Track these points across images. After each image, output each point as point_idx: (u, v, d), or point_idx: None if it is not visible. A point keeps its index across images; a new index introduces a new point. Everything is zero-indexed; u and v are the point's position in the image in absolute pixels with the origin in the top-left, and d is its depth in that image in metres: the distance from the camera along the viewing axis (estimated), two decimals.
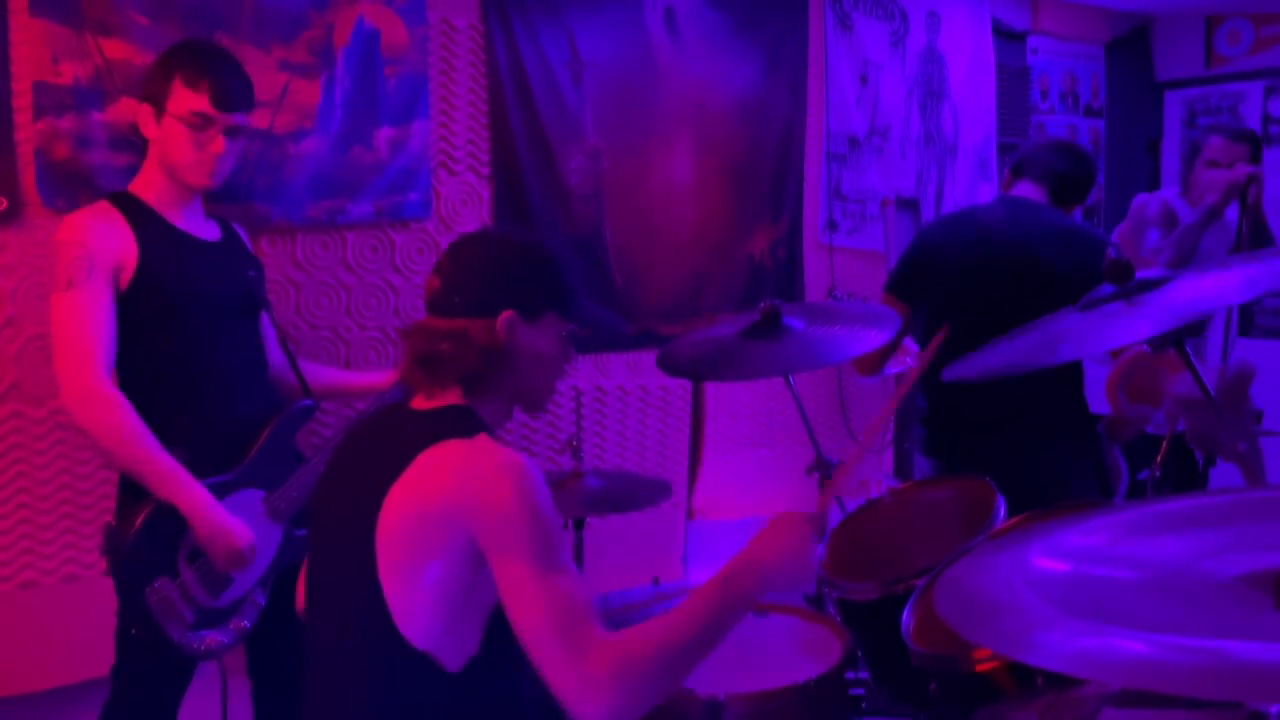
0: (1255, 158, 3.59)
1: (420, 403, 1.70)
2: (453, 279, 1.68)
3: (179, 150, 2.22)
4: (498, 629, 1.59)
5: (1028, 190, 2.89)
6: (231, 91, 2.24)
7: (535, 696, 1.74)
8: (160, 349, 2.20)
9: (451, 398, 1.68)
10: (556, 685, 1.47)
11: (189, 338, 2.22)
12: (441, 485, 1.56)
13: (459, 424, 1.62)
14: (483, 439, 1.59)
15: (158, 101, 2.20)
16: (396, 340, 3.13)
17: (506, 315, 1.66)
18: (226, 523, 2.14)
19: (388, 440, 1.66)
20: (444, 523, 1.54)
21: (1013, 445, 2.73)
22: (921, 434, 2.97)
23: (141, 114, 2.22)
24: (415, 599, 1.55)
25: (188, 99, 2.20)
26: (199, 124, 2.20)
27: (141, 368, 2.21)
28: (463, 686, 1.59)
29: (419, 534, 1.55)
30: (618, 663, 1.47)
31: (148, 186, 2.24)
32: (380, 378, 2.57)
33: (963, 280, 2.81)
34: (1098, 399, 2.89)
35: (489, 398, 1.70)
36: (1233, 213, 3.42)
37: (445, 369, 1.66)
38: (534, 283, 1.71)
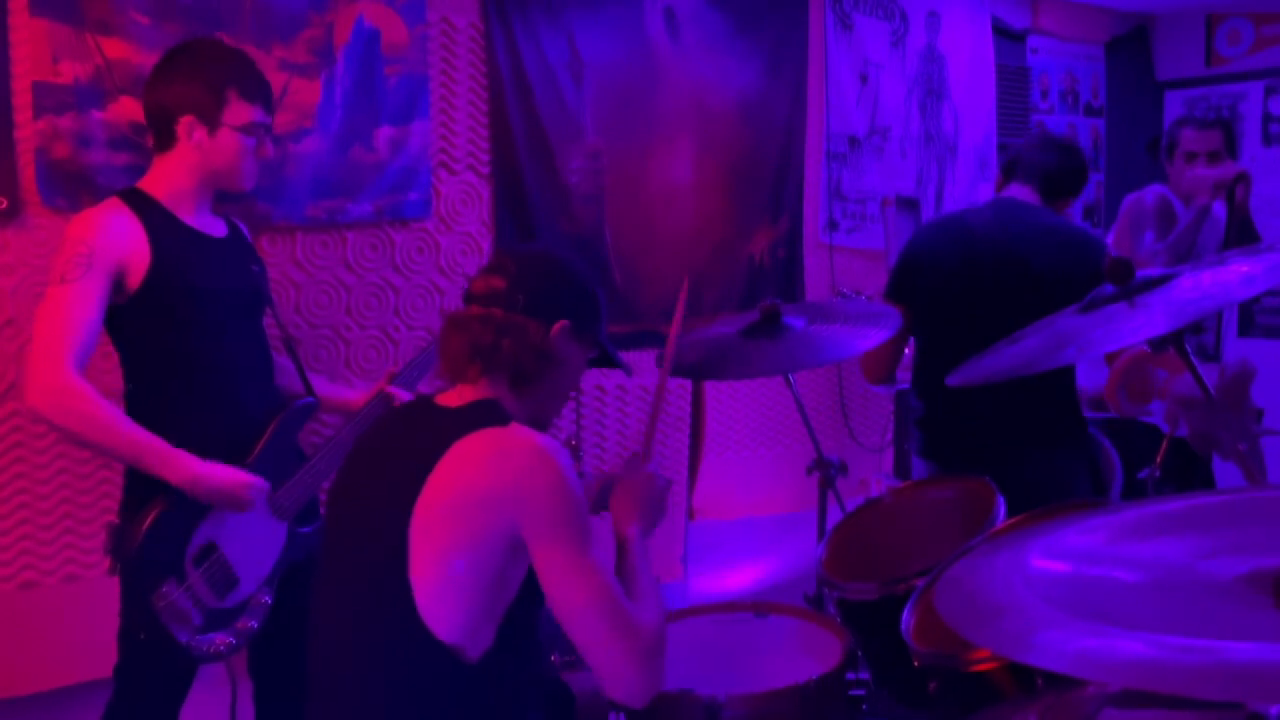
0: (1230, 144, 3.61)
1: (449, 399, 1.75)
2: (520, 280, 1.76)
3: (234, 159, 2.24)
4: (512, 622, 1.64)
5: (1017, 191, 2.88)
6: (271, 95, 2.31)
7: (541, 689, 1.78)
8: (171, 346, 2.20)
9: (482, 393, 1.73)
10: (604, 663, 1.60)
11: (200, 334, 2.22)
12: (480, 470, 1.60)
13: (491, 415, 1.68)
14: (516, 426, 1.66)
15: (209, 115, 2.20)
16: (397, 340, 3.13)
17: (562, 324, 1.76)
18: (223, 481, 2.12)
19: (419, 435, 1.70)
20: (484, 507, 1.59)
21: (1007, 446, 2.73)
22: (918, 436, 2.97)
23: (183, 125, 2.20)
24: (445, 590, 1.58)
25: (245, 111, 2.23)
26: (257, 133, 2.25)
27: (152, 366, 2.20)
28: (479, 679, 1.62)
29: (457, 521, 1.59)
30: (653, 640, 1.62)
31: (159, 184, 2.23)
32: (355, 396, 2.56)
33: (952, 284, 2.81)
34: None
35: (525, 398, 1.77)
36: (1221, 209, 3.44)
37: (501, 363, 1.73)
38: (584, 303, 1.82)
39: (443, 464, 1.61)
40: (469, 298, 1.79)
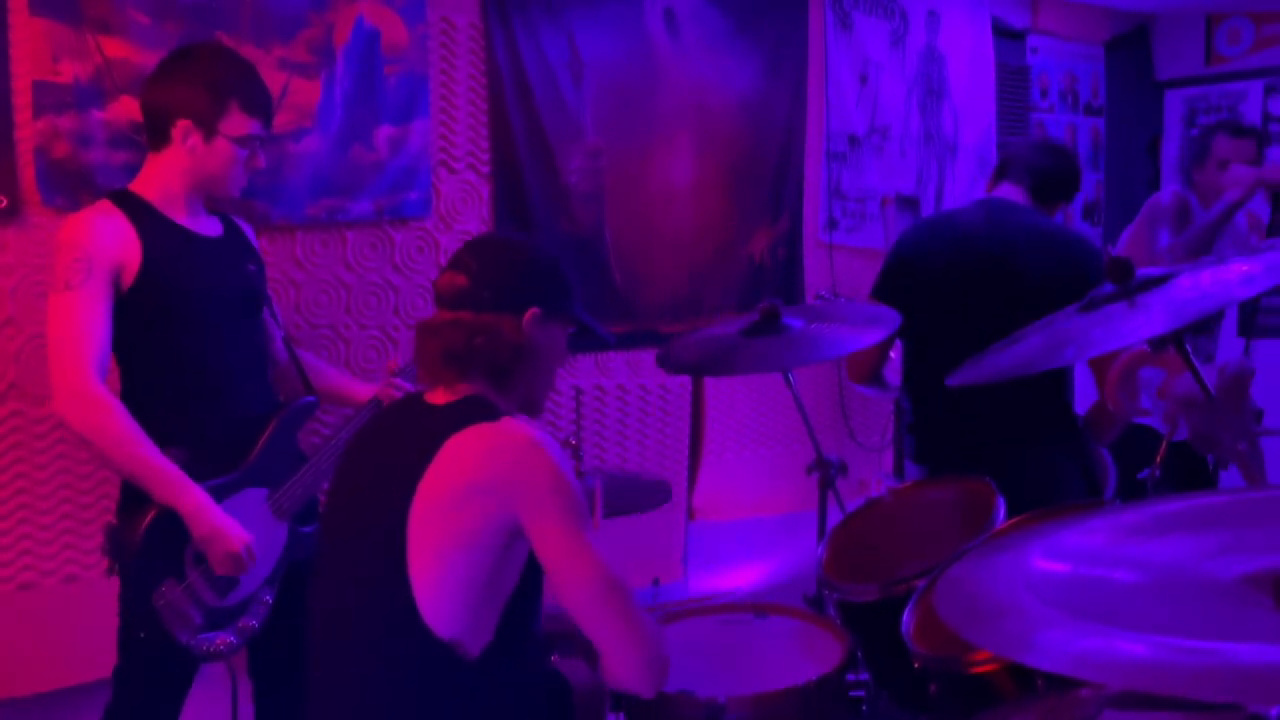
0: (1260, 154, 3.60)
1: (438, 397, 1.74)
2: (481, 276, 1.74)
3: (225, 167, 2.24)
4: (512, 617, 1.65)
5: (1008, 191, 2.85)
6: (272, 109, 2.31)
7: (545, 684, 1.78)
8: (165, 346, 2.20)
9: (468, 390, 1.73)
10: (610, 644, 1.60)
11: (193, 334, 2.22)
12: (474, 464, 1.61)
13: (481, 410, 1.68)
14: (507, 420, 1.66)
15: (207, 122, 2.20)
16: (397, 339, 3.13)
17: (533, 312, 1.74)
18: (223, 524, 2.13)
19: (411, 433, 1.70)
20: (480, 501, 1.59)
21: (1000, 449, 2.71)
22: (910, 440, 2.96)
23: (179, 129, 2.19)
24: (444, 585, 1.59)
25: (244, 123, 2.23)
26: (252, 145, 2.25)
27: (146, 366, 2.20)
28: (480, 674, 1.62)
29: (454, 516, 1.60)
30: (654, 625, 1.63)
31: (151, 185, 2.23)
32: (362, 388, 2.55)
33: (940, 285, 2.78)
34: (1079, 399, 2.89)
35: (509, 392, 1.76)
36: (1238, 214, 3.42)
37: (477, 363, 1.72)
38: (550, 283, 1.80)
39: (437, 461, 1.62)
40: (437, 300, 1.78)
